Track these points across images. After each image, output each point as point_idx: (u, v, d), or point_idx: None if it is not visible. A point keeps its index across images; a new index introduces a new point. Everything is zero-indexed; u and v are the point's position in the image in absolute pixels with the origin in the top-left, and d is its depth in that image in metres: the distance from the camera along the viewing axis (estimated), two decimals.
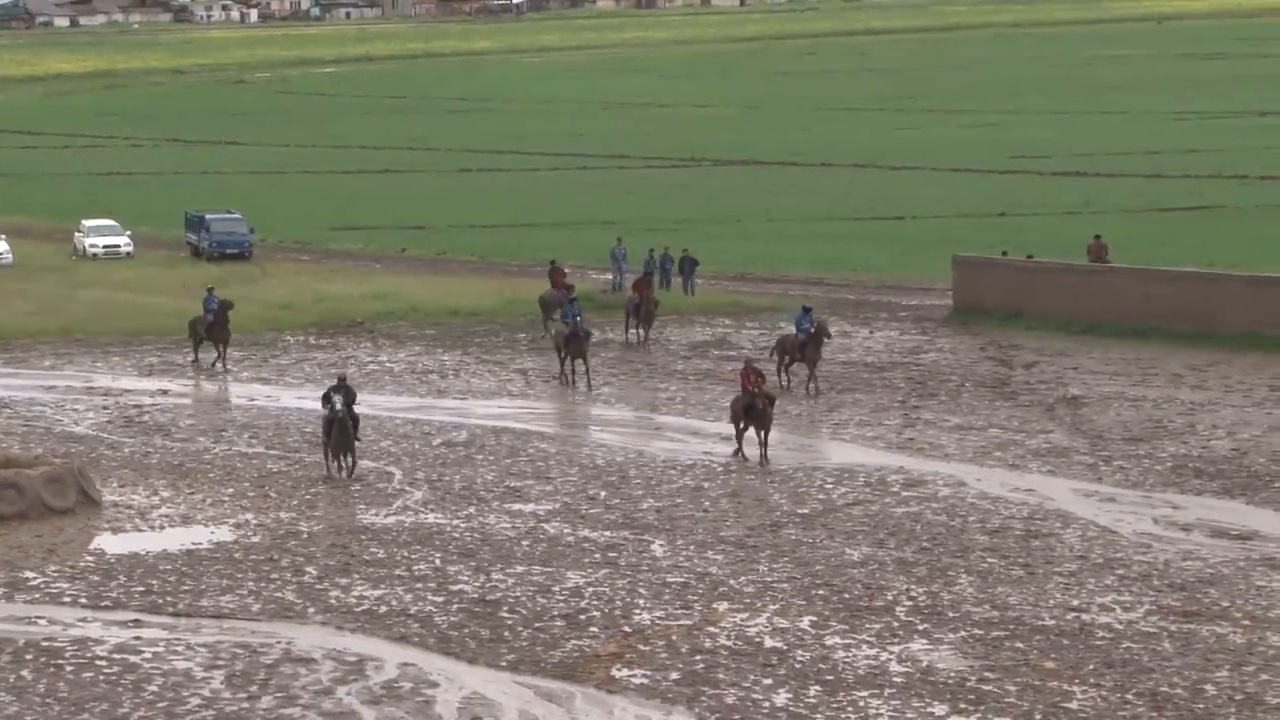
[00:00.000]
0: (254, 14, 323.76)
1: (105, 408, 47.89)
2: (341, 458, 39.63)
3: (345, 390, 39.73)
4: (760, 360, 46.27)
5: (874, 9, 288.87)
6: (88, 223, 77.02)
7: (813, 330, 48.32)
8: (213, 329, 52.69)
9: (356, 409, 40.35)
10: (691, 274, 62.92)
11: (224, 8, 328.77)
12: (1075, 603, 31.19)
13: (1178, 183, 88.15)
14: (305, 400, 48.69)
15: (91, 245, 75.21)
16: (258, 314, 60.85)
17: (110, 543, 35.89)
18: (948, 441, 43.08)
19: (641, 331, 55.89)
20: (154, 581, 33.18)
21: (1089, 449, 41.97)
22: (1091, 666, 28.22)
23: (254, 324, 59.49)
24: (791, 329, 49.58)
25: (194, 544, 35.54)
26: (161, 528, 36.85)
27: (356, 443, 39.80)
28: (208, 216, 75.77)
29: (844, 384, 49.71)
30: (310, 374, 52.46)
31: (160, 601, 32.09)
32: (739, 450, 41.27)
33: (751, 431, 41.08)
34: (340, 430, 39.37)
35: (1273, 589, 31.77)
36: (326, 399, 39.62)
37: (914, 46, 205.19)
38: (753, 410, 40.81)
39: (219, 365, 52.54)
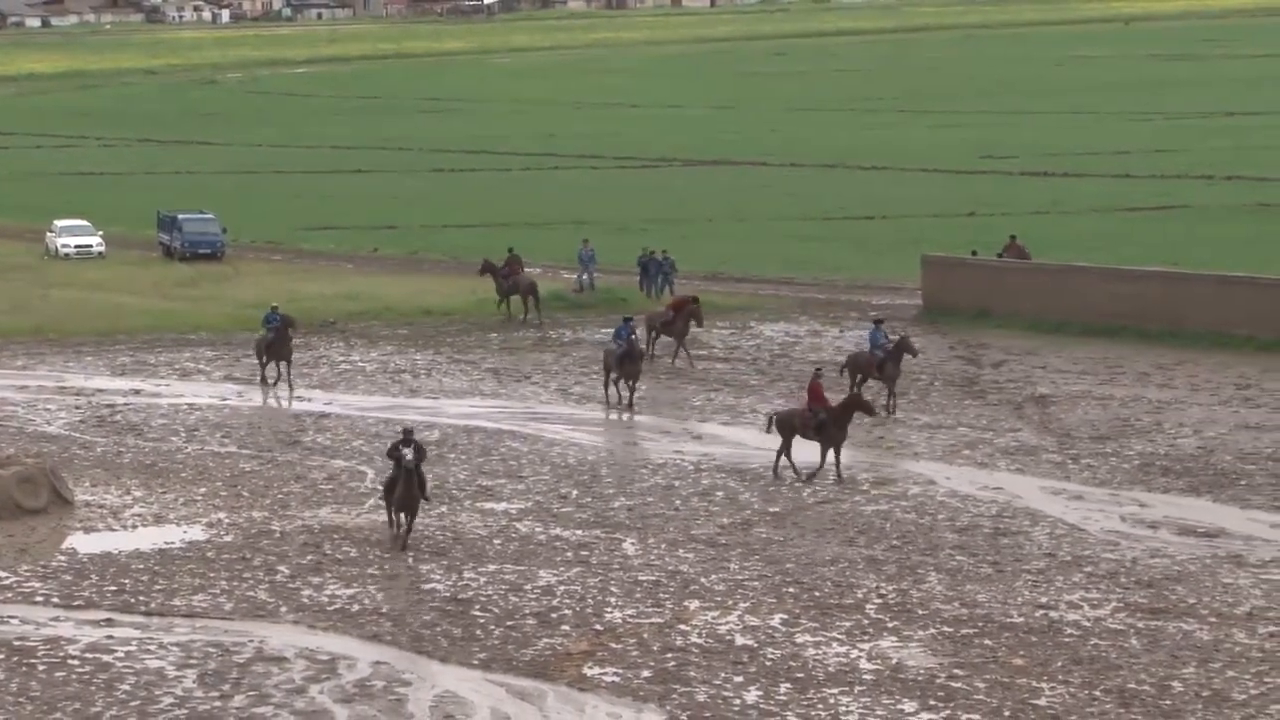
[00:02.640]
0: (226, 14, 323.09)
1: (78, 407, 47.77)
2: (404, 515, 35.21)
3: (415, 446, 35.41)
4: (821, 373, 44.50)
5: (843, 10, 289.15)
6: (60, 223, 76.78)
7: (891, 346, 45.84)
8: (273, 346, 49.57)
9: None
10: (671, 275, 62.95)
11: (196, 8, 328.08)
12: (1043, 600, 31.27)
13: (1145, 183, 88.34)
14: (277, 400, 48.66)
15: (63, 245, 74.99)
16: (230, 314, 60.79)
17: (83, 542, 35.81)
18: (917, 440, 43.15)
19: (682, 353, 53.01)
20: (126, 581, 33.12)
21: (1057, 447, 42.07)
22: (1060, 663, 28.29)
23: (227, 324, 59.45)
24: (865, 346, 47.01)
25: (166, 543, 35.48)
26: (134, 527, 36.78)
27: (423, 503, 35.49)
28: (180, 217, 75.58)
29: None
30: (281, 373, 52.33)
31: (133, 601, 32.04)
32: (788, 466, 39.38)
33: (782, 446, 39.39)
34: (406, 486, 34.95)
35: (1239, 586, 31.88)
36: (394, 452, 35.39)
37: (883, 47, 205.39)
38: (825, 427, 38.97)
39: (283, 384, 49.32)
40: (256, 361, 50.51)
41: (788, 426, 39.56)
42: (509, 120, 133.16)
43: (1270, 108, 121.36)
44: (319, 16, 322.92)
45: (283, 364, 49.70)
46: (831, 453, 39.27)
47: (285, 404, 48.05)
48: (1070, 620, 30.24)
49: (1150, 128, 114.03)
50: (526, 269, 62.56)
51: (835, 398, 40.65)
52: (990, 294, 58.46)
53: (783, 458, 39.48)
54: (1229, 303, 54.07)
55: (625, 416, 45.84)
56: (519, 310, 60.06)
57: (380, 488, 36.53)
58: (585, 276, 63.39)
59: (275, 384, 49.59)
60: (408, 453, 35.07)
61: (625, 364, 46.65)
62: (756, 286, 65.44)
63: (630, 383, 46.72)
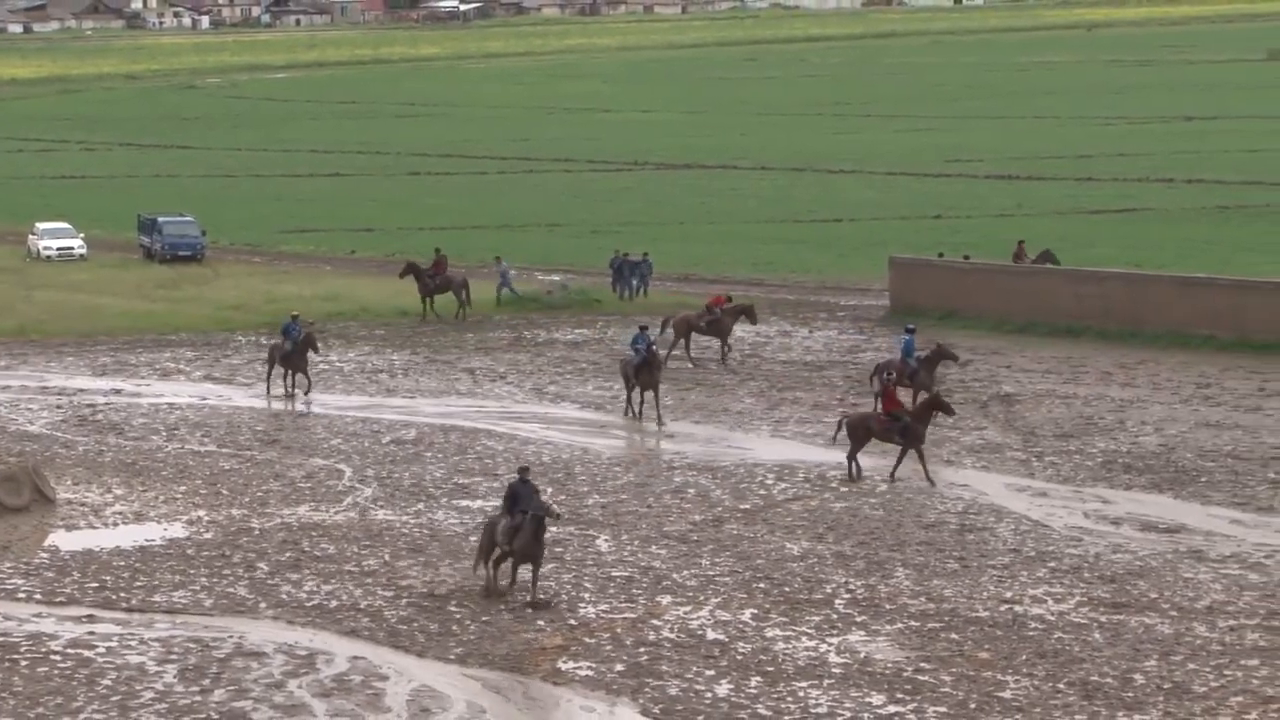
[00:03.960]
0: (205, 21, 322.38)
1: (59, 407, 47.64)
2: (527, 567, 31.53)
3: (529, 487, 32.08)
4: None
5: (812, 17, 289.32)
6: (42, 225, 76.68)
7: (925, 356, 44.82)
8: (289, 358, 48.06)
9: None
10: (647, 276, 63.04)
11: (176, 14, 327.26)
12: (1008, 595, 31.32)
13: (1107, 186, 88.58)
14: (256, 399, 48.60)
15: (45, 248, 74.89)
16: (210, 315, 60.77)
17: (64, 539, 35.71)
18: None
19: (724, 350, 52.96)
20: (108, 577, 33.04)
21: (1021, 445, 42.14)
22: (1024, 657, 28.34)
23: (206, 324, 59.42)
24: (896, 355, 45.93)
25: (147, 540, 35.39)
26: (115, 525, 36.69)
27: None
28: (160, 219, 75.49)
29: (784, 382, 49.79)
30: (261, 373, 52.22)
31: (114, 597, 31.96)
32: (850, 469, 38.96)
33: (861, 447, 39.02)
34: (534, 536, 31.21)
35: (1199, 581, 31.96)
36: (513, 499, 31.69)
37: (851, 54, 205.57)
38: (909, 430, 38.54)
39: (298, 394, 48.02)
40: (267, 368, 48.85)
41: (861, 430, 38.98)
42: (484, 125, 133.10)
43: (1229, 112, 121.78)
44: (297, 23, 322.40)
45: (297, 375, 48.02)
46: (919, 454, 38.63)
47: (294, 406, 47.52)
48: (1034, 614, 30.29)
49: (1113, 132, 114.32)
50: (502, 271, 62.55)
51: (864, 404, 40.55)
52: (957, 295, 58.57)
53: (853, 461, 39.03)
54: (1189, 303, 54.24)
55: (655, 426, 44.16)
56: (448, 309, 59.87)
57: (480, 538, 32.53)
58: (505, 289, 62.31)
59: (285, 395, 47.87)
60: (527, 498, 31.43)
61: (643, 374, 44.84)
62: (727, 288, 65.39)
63: (651, 393, 44.77)
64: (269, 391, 48.27)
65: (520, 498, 31.51)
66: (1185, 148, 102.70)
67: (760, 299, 62.08)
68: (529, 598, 30.97)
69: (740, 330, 57.17)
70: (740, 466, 40.53)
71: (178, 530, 36.09)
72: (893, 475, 38.88)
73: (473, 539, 35.03)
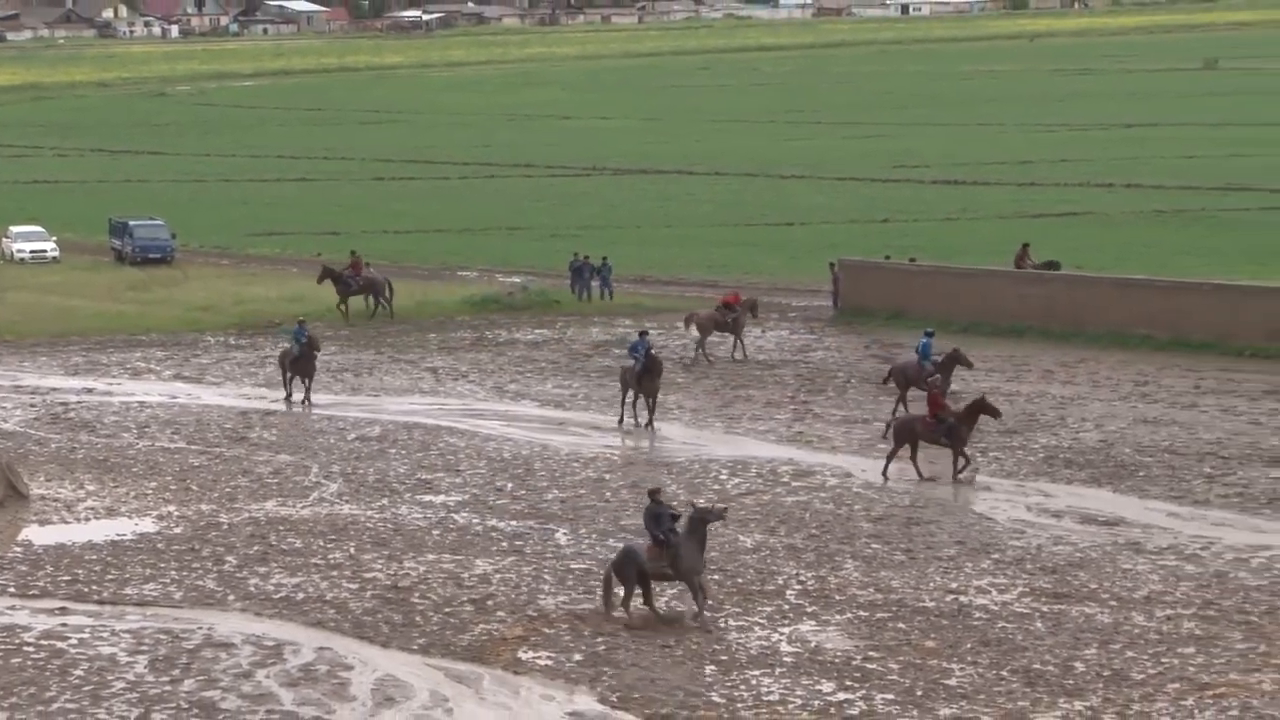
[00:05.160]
0: (175, 30, 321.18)
1: (33, 405, 47.44)
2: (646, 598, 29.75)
3: (664, 507, 30.02)
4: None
5: (764, 27, 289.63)
6: (15, 229, 76.40)
7: (941, 360, 43.71)
8: (298, 363, 47.10)
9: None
10: (609, 278, 63.11)
11: (146, 24, 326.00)
12: (954, 585, 31.39)
13: (1049, 190, 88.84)
14: (225, 398, 48.46)
15: (19, 250, 74.62)
16: (180, 316, 60.61)
17: (38, 534, 35.56)
18: (835, 434, 43.26)
19: (739, 346, 52.84)
20: (80, 571, 32.91)
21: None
22: (969, 645, 28.41)
23: (176, 325, 59.25)
24: (911, 356, 45.00)
25: (118, 535, 35.27)
26: (87, 519, 36.55)
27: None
28: (131, 223, 75.28)
29: (737, 380, 49.83)
30: (230, 373, 52.18)
31: (86, 590, 31.83)
32: (885, 474, 38.50)
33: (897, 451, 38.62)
34: (700, 548, 29.47)
35: (1137, 571, 32.08)
36: (655, 520, 29.66)
37: (802, 62, 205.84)
38: (954, 431, 38.09)
39: (304, 402, 46.97)
40: (280, 375, 47.85)
41: (908, 432, 38.63)
42: (446, 131, 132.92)
43: (1166, 120, 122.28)
44: (265, 32, 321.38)
45: (306, 380, 47.11)
46: (961, 455, 38.23)
47: (306, 410, 46.69)
48: (979, 604, 30.37)
49: (1054, 138, 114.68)
50: (461, 273, 62.51)
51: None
52: (904, 296, 58.70)
53: (892, 462, 38.65)
54: (1128, 304, 54.46)
55: (648, 431, 43.37)
56: (364, 311, 59.60)
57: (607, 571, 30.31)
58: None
59: (302, 401, 46.98)
60: (662, 514, 29.72)
61: (643, 380, 43.64)
62: (682, 289, 65.52)
63: (649, 399, 43.75)
64: (289, 397, 47.19)
65: (660, 519, 29.72)
66: (1124, 154, 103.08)
67: (714, 300, 62.13)
68: (694, 616, 29.42)
69: (694, 330, 57.19)
70: (695, 462, 40.55)
71: (148, 525, 35.97)
72: (955, 476, 38.22)
73: (435, 533, 35.03)
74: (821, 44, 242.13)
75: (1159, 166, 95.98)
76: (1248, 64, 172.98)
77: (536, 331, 58.19)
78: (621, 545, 30.97)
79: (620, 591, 29.74)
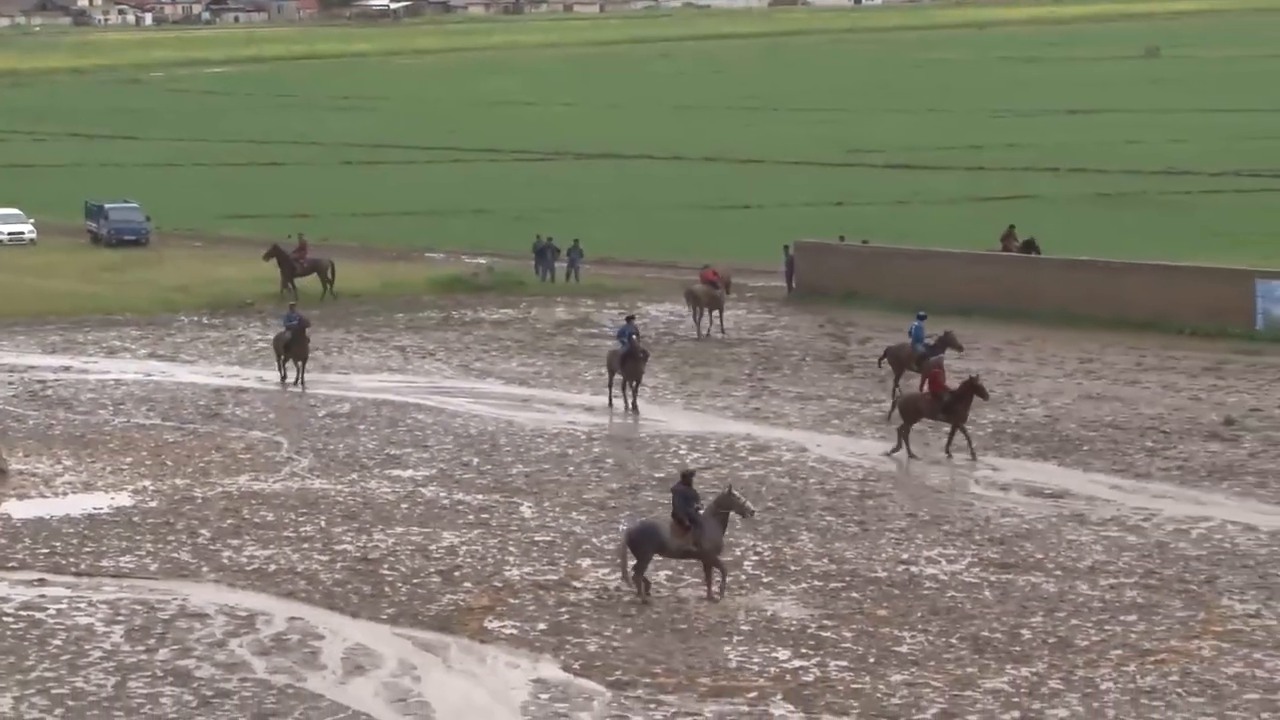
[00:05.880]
0: (149, 18, 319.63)
1: (11, 383, 47.22)
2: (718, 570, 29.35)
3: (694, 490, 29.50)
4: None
5: (722, 16, 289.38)
6: None
7: (933, 344, 43.00)
8: (291, 346, 46.60)
9: None
10: (578, 262, 63.09)
11: (120, 12, 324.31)
12: (905, 556, 31.48)
13: (997, 175, 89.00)
14: (199, 376, 48.32)
15: None
16: (154, 296, 60.38)
17: (16, 508, 35.41)
18: (790, 411, 43.33)
19: (710, 323, 53.15)
20: (58, 544, 32.80)
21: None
22: (919, 614, 28.49)
23: (151, 305, 59.04)
24: (905, 339, 44.23)
25: (95, 509, 35.16)
26: (65, 494, 36.42)
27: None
28: (107, 205, 74.98)
29: (696, 359, 49.85)
30: (203, 351, 52.04)
31: (64, 562, 31.73)
32: (902, 447, 38.15)
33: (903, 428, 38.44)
34: (714, 534, 29.17)
35: (1081, 542, 32.22)
36: (685, 501, 29.37)
37: (759, 51, 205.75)
38: (954, 406, 38.00)
39: (299, 383, 46.31)
40: (275, 358, 47.27)
41: (912, 409, 38.59)
42: (413, 117, 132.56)
43: (1109, 105, 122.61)
44: (236, 20, 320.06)
45: (300, 363, 46.60)
46: (961, 431, 38.07)
47: (302, 392, 45.88)
48: (929, 574, 30.46)
49: (1002, 124, 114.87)
50: (429, 255, 62.41)
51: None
52: (857, 276, 58.77)
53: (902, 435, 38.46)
54: (1073, 285, 54.65)
55: (630, 415, 42.74)
56: (315, 292, 59.22)
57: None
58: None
59: (296, 382, 46.33)
60: (692, 495, 29.36)
61: (628, 364, 43.03)
62: (643, 270, 65.55)
63: (633, 383, 43.20)
64: (283, 379, 46.65)
65: (689, 499, 29.29)
66: (1069, 139, 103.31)
67: (674, 280, 62.21)
68: (710, 593, 29.13)
69: (654, 309, 57.41)
70: (655, 438, 40.57)
71: (124, 499, 35.86)
72: (946, 449, 38.12)
73: (404, 507, 35.00)
74: (777, 32, 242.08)
75: (1102, 151, 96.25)
76: (1188, 52, 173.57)
77: (501, 311, 58.14)
78: (641, 520, 30.62)
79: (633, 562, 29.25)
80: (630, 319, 44.84)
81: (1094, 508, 34.42)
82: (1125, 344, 50.35)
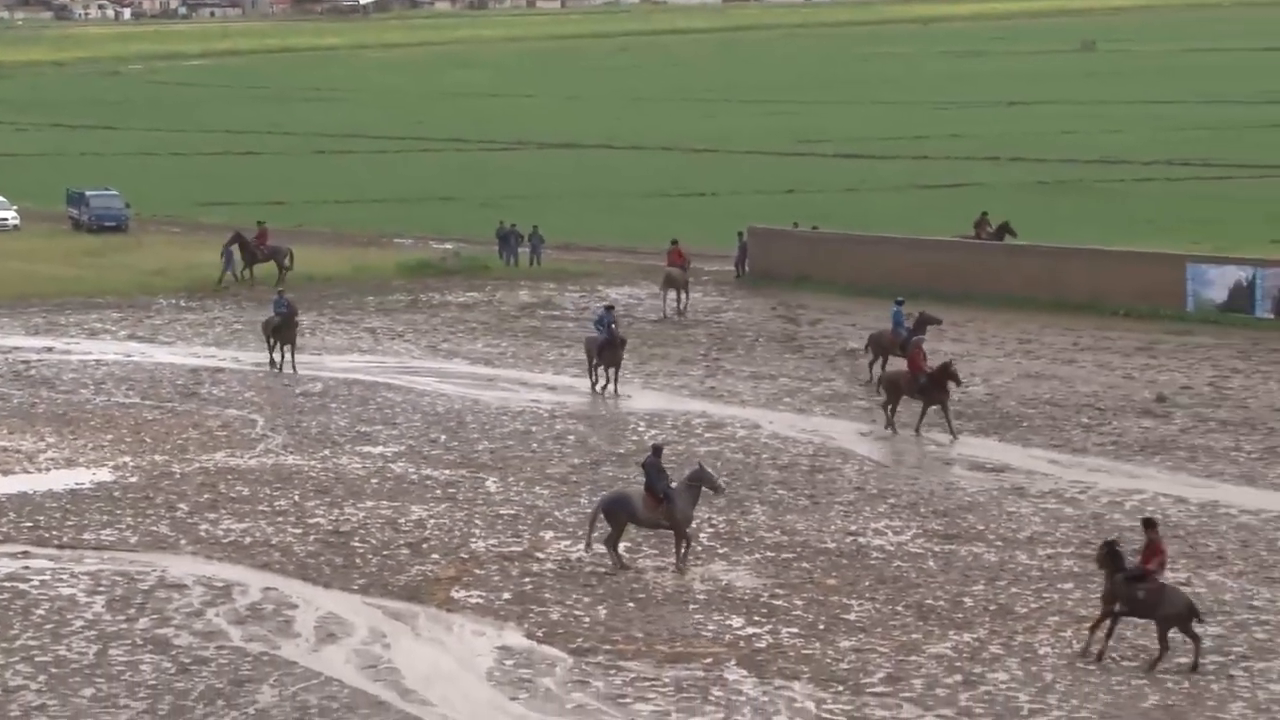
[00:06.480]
0: (127, 12, 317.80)
1: None
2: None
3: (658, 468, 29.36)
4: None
5: (678, 11, 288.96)
6: None
7: (912, 326, 42.54)
8: (280, 330, 45.82)
9: None
10: (540, 247, 63.01)
11: (100, 6, 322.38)
12: (853, 528, 31.54)
13: (941, 164, 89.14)
14: (177, 356, 48.11)
15: None
16: (133, 280, 60.10)
17: (1, 484, 35.21)
18: (744, 389, 43.35)
19: (679, 303, 53.23)
20: (41, 518, 32.63)
21: (865, 394, 42.38)
22: (867, 583, 28.55)
23: (130, 289, 58.78)
24: (887, 325, 43.81)
25: (77, 484, 34.99)
26: (48, 470, 36.24)
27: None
28: (87, 193, 74.64)
29: (654, 340, 49.84)
30: (181, 333, 51.83)
31: (47, 535, 31.58)
32: (891, 425, 38.20)
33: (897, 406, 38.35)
34: (685, 507, 28.98)
35: (1021, 514, 32.32)
36: (658, 473, 29.22)
37: (713, 45, 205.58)
38: (930, 389, 37.85)
39: (287, 366, 45.64)
40: (265, 342, 46.51)
41: (895, 387, 38.51)
42: (383, 108, 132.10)
43: (1047, 98, 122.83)
44: (212, 14, 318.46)
45: (287, 347, 45.88)
46: (943, 410, 37.85)
47: (291, 374, 45.24)
48: (876, 545, 30.53)
49: (945, 116, 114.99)
50: (398, 241, 62.23)
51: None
52: (808, 262, 58.81)
53: (889, 411, 38.43)
54: (1014, 269, 54.81)
55: (612, 399, 42.25)
56: (269, 276, 58.81)
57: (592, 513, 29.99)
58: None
59: (280, 366, 45.69)
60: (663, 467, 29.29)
61: (606, 352, 42.58)
62: (603, 255, 65.48)
63: (612, 369, 42.64)
64: (272, 363, 46.05)
65: (662, 471, 29.24)
66: (1009, 130, 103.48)
67: (632, 265, 62.23)
68: (678, 562, 29.09)
69: (613, 293, 57.32)
70: (614, 415, 40.55)
71: (105, 475, 35.69)
72: (918, 429, 37.98)
73: (374, 482, 34.91)
74: (731, 27, 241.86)
75: (1041, 141, 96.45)
76: (1122, 46, 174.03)
77: (467, 294, 58.02)
78: (615, 490, 30.61)
79: (604, 530, 29.26)
80: (609, 308, 44.43)
81: (1033, 481, 34.54)
82: (1062, 325, 50.51)
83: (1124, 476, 34.77)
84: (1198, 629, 24.76)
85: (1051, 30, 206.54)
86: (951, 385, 38.28)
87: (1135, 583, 24.88)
